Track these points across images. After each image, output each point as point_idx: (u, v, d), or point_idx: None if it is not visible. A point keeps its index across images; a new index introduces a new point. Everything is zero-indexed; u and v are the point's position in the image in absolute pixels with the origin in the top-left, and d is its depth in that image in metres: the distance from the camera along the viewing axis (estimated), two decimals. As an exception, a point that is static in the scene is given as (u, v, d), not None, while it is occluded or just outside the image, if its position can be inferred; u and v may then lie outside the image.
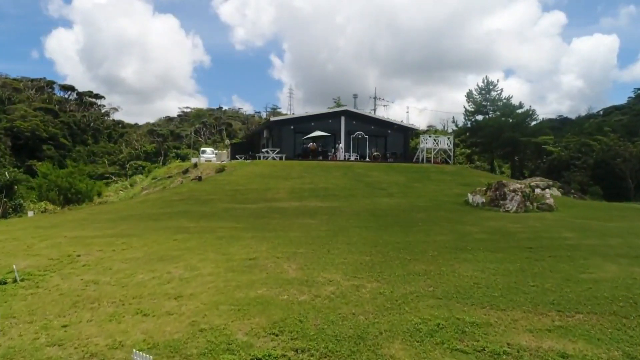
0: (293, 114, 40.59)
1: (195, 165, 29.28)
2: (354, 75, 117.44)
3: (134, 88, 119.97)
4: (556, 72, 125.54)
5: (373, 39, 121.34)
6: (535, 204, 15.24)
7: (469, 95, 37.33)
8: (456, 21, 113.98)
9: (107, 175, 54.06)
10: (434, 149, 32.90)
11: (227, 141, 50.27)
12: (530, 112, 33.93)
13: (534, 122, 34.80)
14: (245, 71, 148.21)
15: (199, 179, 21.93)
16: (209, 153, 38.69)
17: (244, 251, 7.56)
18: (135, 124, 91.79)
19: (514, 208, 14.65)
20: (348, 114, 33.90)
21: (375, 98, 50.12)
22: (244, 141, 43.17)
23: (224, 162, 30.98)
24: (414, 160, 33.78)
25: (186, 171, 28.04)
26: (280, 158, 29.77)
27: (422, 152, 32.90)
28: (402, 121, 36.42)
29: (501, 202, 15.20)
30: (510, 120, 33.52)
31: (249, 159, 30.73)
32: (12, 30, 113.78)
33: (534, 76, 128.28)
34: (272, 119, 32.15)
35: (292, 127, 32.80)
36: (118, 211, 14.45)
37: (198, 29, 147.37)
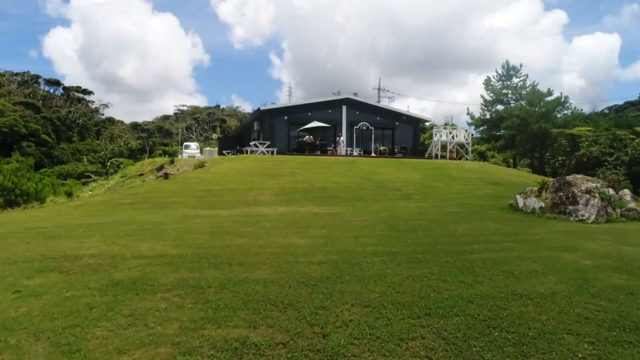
0: (290, 98, 36.16)
1: (172, 161, 25.03)
2: (354, 74, 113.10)
3: (133, 87, 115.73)
4: (558, 72, 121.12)
5: (374, 37, 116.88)
6: (618, 210, 10.86)
7: (487, 83, 32.77)
8: (458, 19, 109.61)
9: (87, 173, 49.66)
10: (450, 143, 28.53)
11: (214, 136, 45.78)
12: (563, 100, 29.38)
13: (564, 112, 30.24)
14: (244, 70, 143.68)
15: (165, 176, 17.58)
16: (193, 148, 34.46)
17: (117, 342, 3.14)
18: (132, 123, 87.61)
19: (592, 216, 10.27)
20: (350, 103, 29.54)
21: (379, 89, 45.68)
22: (232, 135, 38.83)
23: (212, 157, 26.80)
24: (426, 155, 29.46)
25: (161, 168, 23.73)
26: (272, 153, 25.39)
27: (435, 146, 28.53)
28: (408, 108, 32.01)
29: (570, 207, 10.82)
30: (537, 109, 28.94)
31: (236, 154, 26.36)
32: (11, 30, 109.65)
33: (535, 75, 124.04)
34: (262, 107, 27.77)
35: (285, 117, 28.44)
36: (24, 221, 10.06)
37: (197, 27, 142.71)
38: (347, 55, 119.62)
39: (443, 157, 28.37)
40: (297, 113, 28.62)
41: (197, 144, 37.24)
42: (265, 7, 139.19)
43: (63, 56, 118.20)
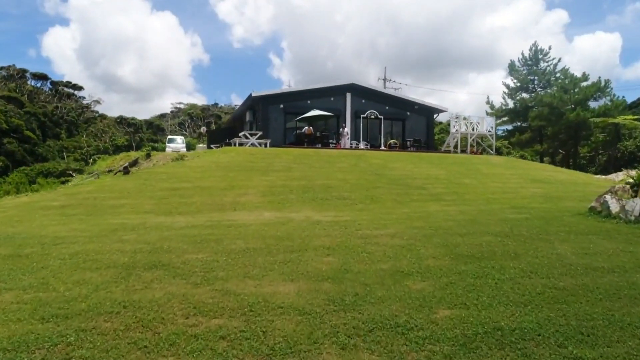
0: (289, 86, 32.38)
1: (149, 155, 21.37)
2: (354, 73, 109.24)
3: (132, 86, 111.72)
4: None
5: (373, 36, 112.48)
6: None
7: (511, 68, 28.90)
8: (458, 18, 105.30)
9: (69, 172, 45.89)
10: (470, 135, 24.79)
11: (203, 129, 41.97)
12: (603, 85, 25.42)
13: (603, 100, 26.31)
14: (244, 70, 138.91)
15: (125, 171, 13.89)
16: (178, 142, 30.79)
17: None
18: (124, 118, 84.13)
19: None
20: (355, 90, 25.83)
21: (384, 80, 41.81)
22: (224, 128, 35.18)
23: (201, 150, 23.23)
24: (443, 149, 25.74)
25: (135, 162, 20.09)
26: (265, 145, 21.65)
27: (454, 138, 24.80)
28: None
29: None
30: (570, 97, 25.01)
31: (222, 147, 22.66)
32: (10, 29, 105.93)
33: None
34: (254, 94, 24.01)
35: (281, 106, 24.72)
36: None
37: (197, 27, 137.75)
38: (347, 54, 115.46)
39: (462, 151, 24.65)
40: (294, 101, 24.88)
41: (182, 137, 33.50)
42: (264, 6, 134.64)
43: (62, 55, 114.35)
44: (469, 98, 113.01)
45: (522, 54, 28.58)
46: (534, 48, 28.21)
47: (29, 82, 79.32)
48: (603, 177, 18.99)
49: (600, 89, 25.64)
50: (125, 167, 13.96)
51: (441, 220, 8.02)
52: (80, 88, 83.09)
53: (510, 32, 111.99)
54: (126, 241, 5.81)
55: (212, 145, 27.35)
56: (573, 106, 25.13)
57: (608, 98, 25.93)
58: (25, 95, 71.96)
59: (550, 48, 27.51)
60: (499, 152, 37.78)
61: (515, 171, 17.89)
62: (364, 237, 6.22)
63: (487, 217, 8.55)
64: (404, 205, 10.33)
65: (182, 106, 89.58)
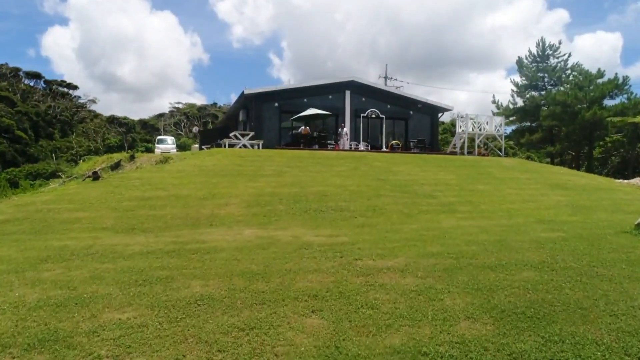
0: (290, 81, 30.75)
1: (133, 157, 19.82)
2: (354, 72, 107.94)
3: (131, 86, 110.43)
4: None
5: (374, 35, 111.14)
6: None
7: (519, 64, 27.27)
8: (459, 17, 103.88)
9: (59, 173, 44.36)
10: (477, 136, 23.22)
11: (195, 129, 40.39)
12: (620, 82, 23.80)
13: (620, 97, 24.69)
14: (244, 70, 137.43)
15: (95, 176, 12.32)
16: (168, 143, 29.21)
17: None
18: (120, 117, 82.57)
19: None
20: (355, 87, 24.24)
21: (385, 77, 40.21)
22: (217, 127, 33.62)
23: (192, 151, 21.71)
24: (449, 151, 24.16)
25: (117, 165, 18.58)
26: (258, 147, 20.08)
27: (460, 139, 23.22)
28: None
29: None
30: (585, 94, 23.39)
31: (212, 148, 21.08)
32: (10, 29, 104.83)
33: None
34: (247, 91, 22.42)
35: (276, 104, 23.15)
36: None
37: (196, 26, 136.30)
38: (347, 54, 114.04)
39: (469, 152, 23.10)
40: (290, 99, 23.30)
41: (173, 138, 31.91)
42: (264, 5, 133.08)
43: (61, 55, 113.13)
44: (469, 98, 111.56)
45: (529, 50, 27.04)
46: (541, 43, 26.55)
47: (23, 81, 77.73)
48: (625, 181, 17.44)
49: (617, 85, 23.98)
50: (95, 172, 12.39)
51: (461, 242, 6.47)
52: (75, 87, 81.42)
53: (511, 32, 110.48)
54: (40, 282, 4.26)
55: (203, 146, 25.82)
56: (588, 104, 23.55)
57: (625, 96, 24.36)
58: (19, 95, 70.39)
59: (560, 42, 25.93)
60: (505, 153, 36.23)
61: (530, 175, 16.32)
62: (365, 272, 4.68)
63: (515, 236, 7.00)
64: (412, 218, 8.78)
65: (180, 106, 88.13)
